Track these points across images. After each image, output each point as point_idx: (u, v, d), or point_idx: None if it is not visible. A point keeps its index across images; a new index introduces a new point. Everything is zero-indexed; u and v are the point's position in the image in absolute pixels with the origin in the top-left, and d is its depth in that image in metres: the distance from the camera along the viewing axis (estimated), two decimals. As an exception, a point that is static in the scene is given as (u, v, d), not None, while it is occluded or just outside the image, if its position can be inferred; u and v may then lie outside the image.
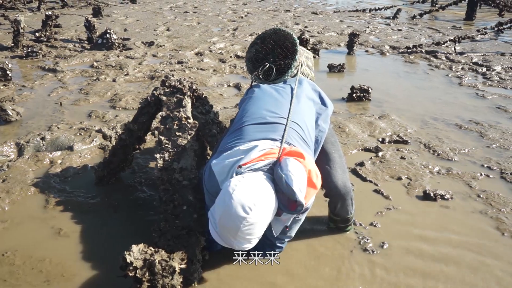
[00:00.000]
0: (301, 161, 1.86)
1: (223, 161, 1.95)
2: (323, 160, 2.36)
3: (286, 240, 2.25)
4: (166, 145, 2.49)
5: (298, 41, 2.59)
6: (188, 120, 2.59)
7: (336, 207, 2.42)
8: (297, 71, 2.55)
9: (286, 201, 1.78)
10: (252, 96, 2.38)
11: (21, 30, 6.38)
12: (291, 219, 1.93)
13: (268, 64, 2.55)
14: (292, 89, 2.36)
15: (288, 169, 1.77)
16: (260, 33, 2.73)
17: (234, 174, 1.85)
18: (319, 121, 2.33)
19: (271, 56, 2.60)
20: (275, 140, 2.01)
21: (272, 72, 2.53)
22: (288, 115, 2.15)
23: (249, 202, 1.69)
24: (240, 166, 1.86)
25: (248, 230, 1.73)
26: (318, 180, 1.91)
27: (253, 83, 2.60)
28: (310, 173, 1.87)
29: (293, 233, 2.20)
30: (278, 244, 2.23)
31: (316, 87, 2.50)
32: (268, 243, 2.22)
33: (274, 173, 1.84)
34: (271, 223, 1.96)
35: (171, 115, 2.62)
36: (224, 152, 2.01)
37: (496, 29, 8.70)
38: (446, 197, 2.91)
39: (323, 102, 2.42)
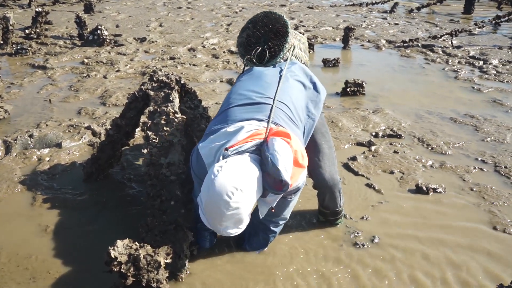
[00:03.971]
0: (287, 141, 1.83)
1: (210, 144, 1.92)
2: (312, 151, 2.32)
3: (281, 223, 2.23)
4: (153, 140, 2.45)
5: (289, 23, 2.54)
6: (176, 115, 2.55)
7: (325, 199, 2.41)
8: (290, 54, 2.50)
9: (272, 181, 1.76)
10: (241, 79, 2.34)
11: (11, 27, 6.29)
12: (277, 200, 1.90)
13: (260, 48, 2.50)
14: (281, 71, 2.30)
15: (274, 148, 1.75)
16: (251, 17, 2.67)
17: (221, 157, 1.81)
18: (310, 106, 2.26)
19: (263, 40, 2.55)
20: (261, 120, 1.97)
21: (265, 55, 2.49)
22: (275, 95, 2.10)
23: (231, 187, 1.67)
24: (226, 149, 1.82)
25: (233, 214, 1.70)
26: (304, 160, 1.90)
27: (245, 68, 2.55)
28: (296, 154, 1.85)
29: (287, 215, 2.18)
30: (272, 228, 2.21)
31: (308, 71, 2.44)
32: (261, 228, 2.20)
33: (262, 154, 1.81)
34: (257, 205, 1.93)
35: (158, 110, 2.58)
36: (211, 135, 1.97)
37: (494, 22, 8.65)
38: (438, 191, 2.87)
39: (315, 88, 2.34)
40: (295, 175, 1.83)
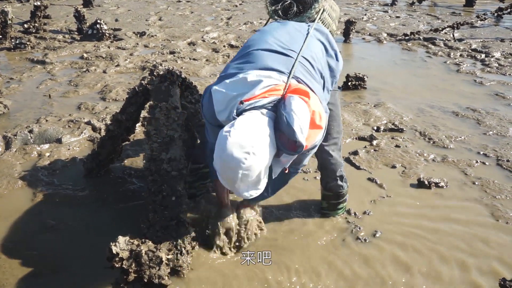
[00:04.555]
0: (305, 100, 1.74)
1: (224, 89, 1.82)
2: None
3: (300, 168, 2.19)
4: (154, 135, 2.43)
5: None
6: (177, 109, 2.52)
7: (328, 181, 2.43)
8: (318, 16, 2.34)
9: (287, 141, 1.69)
10: (264, 29, 2.19)
11: (9, 22, 6.25)
12: (291, 161, 1.84)
13: (289, 0, 2.36)
14: (308, 28, 2.17)
15: (291, 107, 1.66)
16: None
17: (235, 111, 1.73)
18: (330, 69, 2.16)
19: None
20: (282, 72, 1.85)
21: (292, 9, 2.35)
22: (300, 50, 1.97)
23: (243, 147, 1.61)
24: (241, 102, 1.74)
25: (247, 175, 1.64)
26: (322, 121, 1.81)
27: (269, 21, 2.43)
28: (314, 114, 1.76)
29: (306, 163, 2.14)
30: (291, 172, 2.14)
31: (332, 38, 2.29)
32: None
33: (277, 112, 1.73)
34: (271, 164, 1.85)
35: (159, 105, 2.55)
36: (227, 78, 1.85)
37: (496, 14, 8.59)
38: (440, 185, 2.86)
39: (336, 56, 2.24)
40: (311, 136, 1.75)
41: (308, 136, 1.71)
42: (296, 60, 1.92)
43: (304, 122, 1.68)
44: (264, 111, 1.74)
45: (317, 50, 2.10)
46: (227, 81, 1.83)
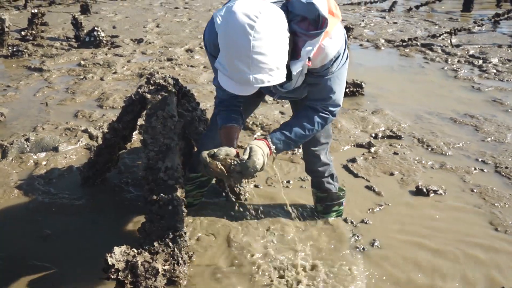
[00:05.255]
0: None
1: (226, 5, 1.69)
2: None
3: (332, 109, 1.96)
4: (150, 144, 2.41)
5: None
6: (173, 118, 2.51)
7: (319, 183, 2.44)
8: None
9: (307, 25, 1.56)
10: None
11: (6, 29, 6.24)
12: (313, 50, 1.62)
13: None
14: None
15: None
16: None
17: None
18: None
19: None
20: None
21: None
22: None
23: (254, 10, 1.46)
24: None
25: (259, 49, 1.45)
26: (337, 10, 1.74)
27: None
28: (329, 2, 1.68)
29: (337, 99, 1.92)
30: (320, 110, 1.94)
31: None
32: (309, 108, 1.95)
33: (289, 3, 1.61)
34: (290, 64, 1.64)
35: (156, 113, 2.54)
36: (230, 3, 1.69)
37: (493, 20, 8.63)
38: (439, 192, 2.85)
39: None
40: (330, 25, 1.60)
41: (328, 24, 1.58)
42: None
43: (322, 3, 1.57)
44: (272, 2, 1.60)
45: None
46: (230, 3, 1.68)
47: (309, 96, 2.00)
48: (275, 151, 1.87)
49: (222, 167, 1.75)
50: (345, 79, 1.97)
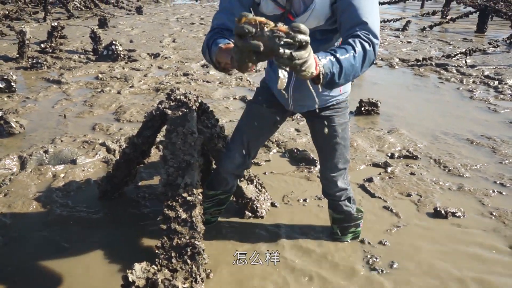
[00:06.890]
0: None
1: None
2: (326, 158, 2.30)
3: (374, 39, 1.67)
4: (170, 160, 2.43)
5: None
6: (193, 134, 2.53)
7: (336, 205, 2.43)
8: None
9: None
10: None
11: (27, 41, 6.38)
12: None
13: None
14: None
15: None
16: None
17: None
18: None
19: None
20: None
21: None
22: None
23: None
24: None
25: None
26: None
27: None
28: None
29: (373, 22, 1.70)
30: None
31: None
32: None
33: None
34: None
35: (176, 129, 2.57)
36: None
37: (508, 41, 8.61)
38: (457, 215, 2.82)
39: None
40: None
41: None
42: None
43: None
44: None
45: None
46: None
47: (342, 29, 1.76)
48: (321, 65, 1.45)
49: (262, 23, 1.20)
50: (377, 6, 1.78)
